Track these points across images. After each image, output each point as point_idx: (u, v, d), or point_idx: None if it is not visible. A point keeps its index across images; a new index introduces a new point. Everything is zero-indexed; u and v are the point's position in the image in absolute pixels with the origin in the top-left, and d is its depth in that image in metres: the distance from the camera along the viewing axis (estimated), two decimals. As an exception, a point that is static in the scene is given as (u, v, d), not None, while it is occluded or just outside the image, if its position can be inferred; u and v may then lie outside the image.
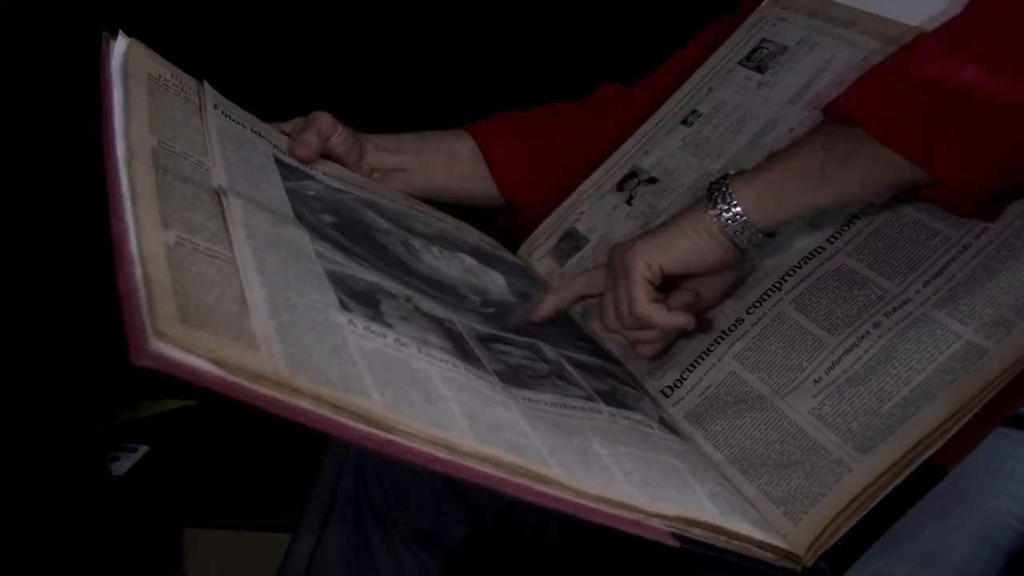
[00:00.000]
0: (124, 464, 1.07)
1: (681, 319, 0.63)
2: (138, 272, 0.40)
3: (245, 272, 0.46)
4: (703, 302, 0.66)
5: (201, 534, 1.07)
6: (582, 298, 0.72)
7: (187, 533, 1.07)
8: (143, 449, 1.10)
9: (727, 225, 0.60)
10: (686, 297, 0.65)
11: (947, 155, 0.54)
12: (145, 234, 0.43)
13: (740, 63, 0.81)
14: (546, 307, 0.70)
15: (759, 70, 0.80)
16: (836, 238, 0.65)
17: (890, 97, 0.54)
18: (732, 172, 0.61)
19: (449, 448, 0.43)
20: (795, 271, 0.65)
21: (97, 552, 0.97)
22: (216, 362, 0.38)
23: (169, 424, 1.15)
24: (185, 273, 0.42)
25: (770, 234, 0.61)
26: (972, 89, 0.51)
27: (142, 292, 0.39)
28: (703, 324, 0.67)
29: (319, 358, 0.43)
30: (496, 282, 0.74)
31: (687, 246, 0.61)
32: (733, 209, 0.60)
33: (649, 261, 0.62)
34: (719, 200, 0.60)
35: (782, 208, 0.59)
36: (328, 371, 0.42)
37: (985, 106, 0.51)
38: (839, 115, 0.56)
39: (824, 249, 0.65)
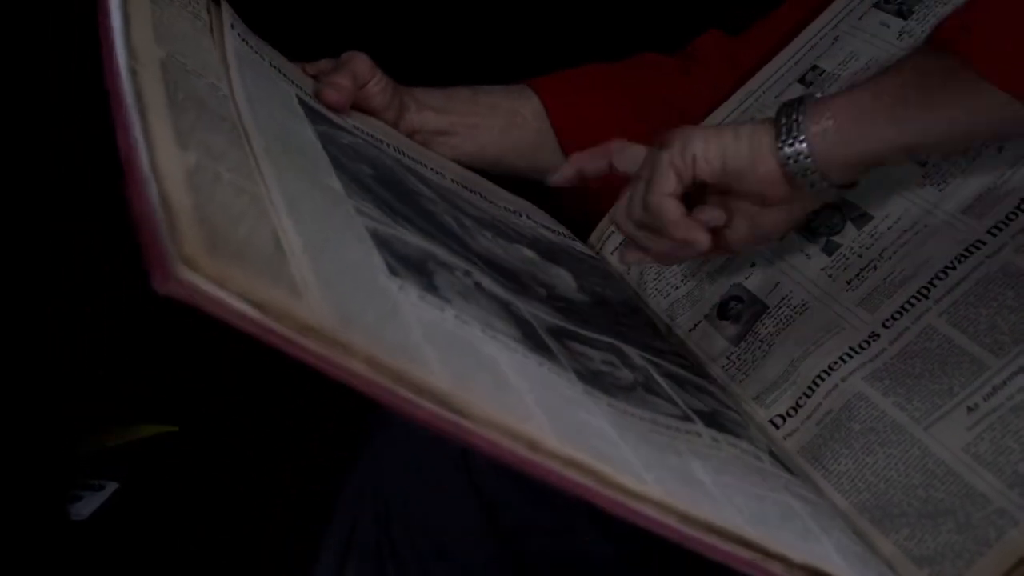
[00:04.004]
0: (87, 505, 1.05)
1: (695, 232, 0.63)
2: (154, 191, 0.39)
3: (278, 214, 0.46)
4: (730, 233, 0.66)
5: (183, 596, 1.04)
6: (613, 172, 0.72)
7: (165, 595, 1.04)
8: (111, 487, 1.07)
9: (787, 163, 0.61)
10: (713, 213, 0.65)
11: None
12: (160, 151, 0.42)
13: (876, 5, 0.81)
14: (570, 169, 0.72)
15: (901, 14, 0.79)
16: (1000, 229, 0.64)
17: (1001, 25, 0.54)
18: (819, 94, 0.62)
19: (531, 445, 0.42)
20: (946, 273, 0.64)
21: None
22: (255, 304, 0.37)
23: (144, 455, 1.13)
24: (209, 202, 0.42)
25: (841, 185, 0.62)
26: None
27: (161, 213, 0.38)
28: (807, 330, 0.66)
29: (371, 320, 0.43)
30: (563, 279, 0.73)
31: (733, 151, 0.62)
32: (798, 145, 0.60)
33: (685, 144, 0.62)
34: (785, 129, 0.60)
35: (852, 145, 0.59)
36: (383, 335, 0.42)
37: None
38: (939, 41, 0.56)
39: (984, 244, 0.64)
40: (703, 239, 0.64)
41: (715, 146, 0.62)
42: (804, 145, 0.60)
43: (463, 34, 1.20)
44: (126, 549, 1.02)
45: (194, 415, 1.14)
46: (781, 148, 0.60)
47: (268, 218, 0.45)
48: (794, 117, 0.60)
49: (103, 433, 1.12)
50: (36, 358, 1.00)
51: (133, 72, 0.47)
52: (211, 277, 0.37)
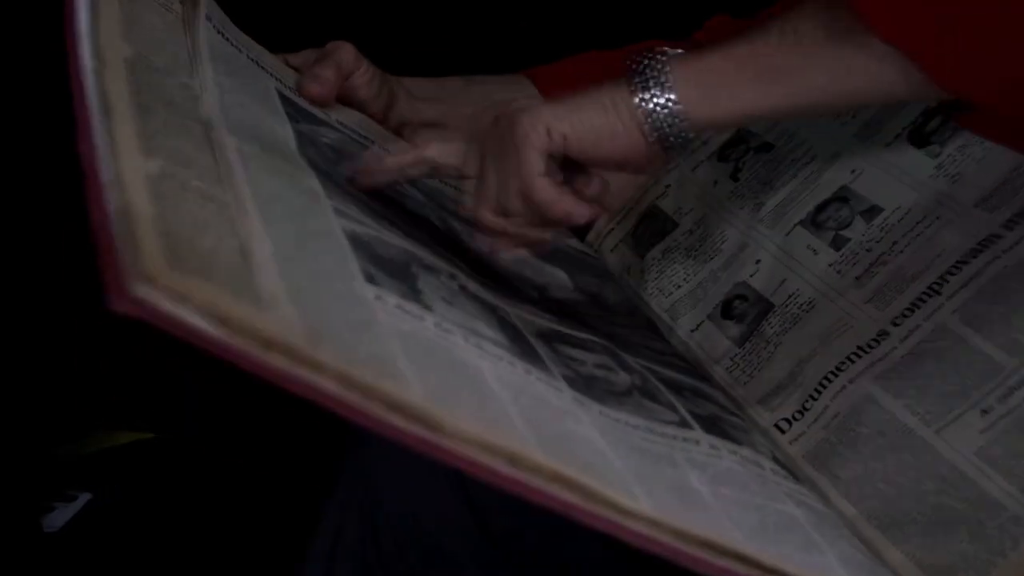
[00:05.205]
0: (59, 517, 1.04)
1: (573, 205, 0.61)
2: (115, 200, 0.39)
3: (247, 222, 0.46)
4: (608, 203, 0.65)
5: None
6: (435, 169, 0.67)
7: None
8: (84, 497, 1.07)
9: (653, 113, 0.59)
10: (595, 185, 0.63)
11: (959, 58, 0.52)
12: (123, 158, 0.42)
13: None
14: (384, 174, 0.66)
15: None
16: (1016, 223, 0.63)
17: None
18: (670, 51, 0.60)
19: (511, 459, 0.42)
20: (959, 268, 0.64)
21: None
22: (216, 319, 0.37)
23: (119, 464, 1.11)
24: (172, 211, 0.42)
25: (698, 132, 0.60)
26: None
27: (121, 224, 0.38)
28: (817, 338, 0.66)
29: (343, 331, 0.43)
30: (557, 278, 0.73)
31: (600, 123, 0.60)
32: (666, 95, 0.58)
33: (549, 127, 0.60)
34: (650, 81, 0.59)
35: (722, 104, 0.58)
36: (355, 348, 0.42)
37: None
38: None
39: (1000, 238, 0.63)
40: (584, 211, 0.61)
41: (583, 122, 0.60)
42: (672, 95, 0.58)
43: (456, 21, 1.19)
44: (100, 563, 1.01)
45: (171, 421, 1.13)
46: (646, 100, 0.59)
47: (235, 227, 0.45)
48: (657, 67, 0.59)
49: (75, 441, 1.11)
50: (4, 363, 1.00)
51: (98, 74, 0.47)
52: (170, 293, 0.37)
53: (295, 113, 0.66)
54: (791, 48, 0.56)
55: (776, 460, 0.61)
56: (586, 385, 0.56)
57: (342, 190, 0.59)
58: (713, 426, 0.61)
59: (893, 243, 0.68)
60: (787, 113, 0.59)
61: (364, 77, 0.76)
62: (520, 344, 0.56)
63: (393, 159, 0.66)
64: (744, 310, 0.73)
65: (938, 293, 0.64)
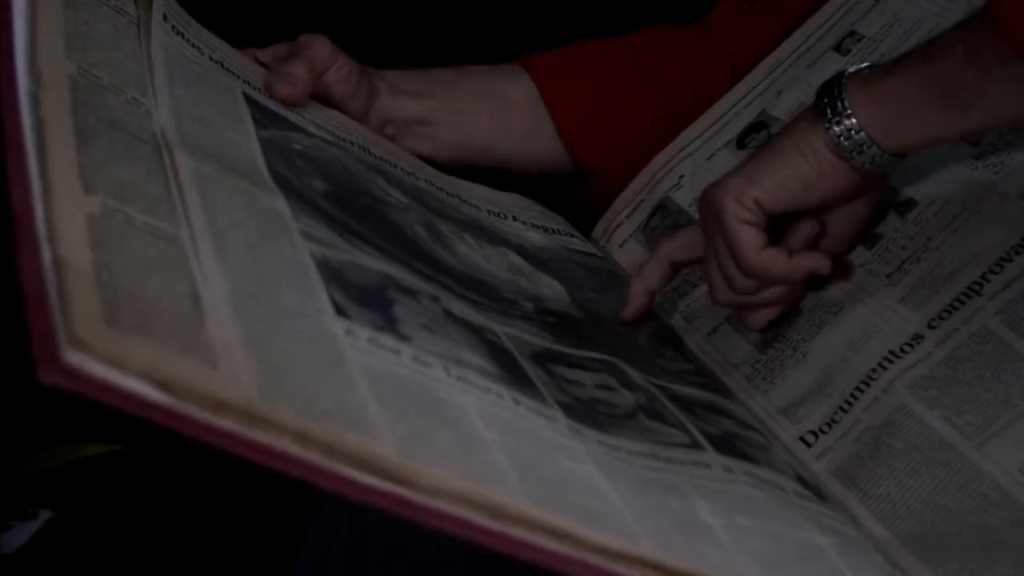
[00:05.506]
0: (17, 536, 1.03)
1: (809, 260, 0.64)
2: (47, 255, 0.38)
3: (200, 258, 0.44)
4: (832, 239, 0.67)
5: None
6: (678, 269, 0.73)
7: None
8: (45, 515, 1.07)
9: (839, 141, 0.60)
10: (806, 229, 0.65)
11: None
12: (58, 200, 0.41)
13: (920, -41, 0.80)
14: (637, 299, 0.71)
15: (949, -30, 0.78)
16: None
17: None
18: (851, 70, 0.61)
19: (493, 511, 0.41)
20: (1002, 266, 0.62)
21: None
22: (158, 383, 0.36)
23: (84, 478, 1.09)
24: (114, 256, 0.40)
25: (898, 155, 0.61)
26: None
27: (52, 282, 0.37)
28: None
29: (305, 379, 0.41)
30: (554, 290, 0.73)
31: (787, 173, 0.62)
32: (847, 121, 0.59)
33: (739, 197, 0.62)
34: (829, 109, 0.60)
35: (907, 130, 0.59)
36: (317, 397, 0.40)
37: None
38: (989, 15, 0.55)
39: None
40: (823, 261, 0.64)
41: (769, 180, 0.62)
42: (854, 120, 0.59)
43: (441, 13, 1.18)
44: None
45: (143, 432, 1.11)
46: (828, 128, 0.60)
47: (187, 266, 0.43)
48: (836, 93, 0.60)
49: (36, 453, 1.09)
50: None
51: (35, 99, 0.45)
52: (106, 356, 0.35)
53: (263, 118, 0.65)
54: (971, 69, 0.56)
55: (800, 479, 0.60)
56: (584, 411, 0.55)
57: (311, 206, 0.58)
58: (728, 445, 0.59)
59: (928, 239, 0.67)
60: (978, 132, 0.61)
61: (340, 73, 0.75)
62: (510, 370, 0.55)
63: (637, 283, 0.72)
64: None
65: (979, 293, 0.62)
